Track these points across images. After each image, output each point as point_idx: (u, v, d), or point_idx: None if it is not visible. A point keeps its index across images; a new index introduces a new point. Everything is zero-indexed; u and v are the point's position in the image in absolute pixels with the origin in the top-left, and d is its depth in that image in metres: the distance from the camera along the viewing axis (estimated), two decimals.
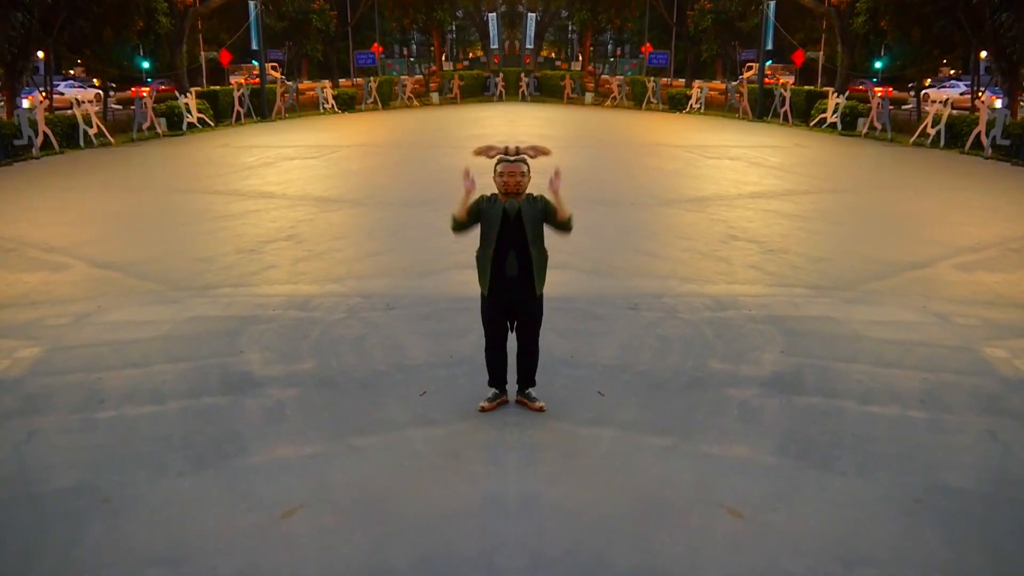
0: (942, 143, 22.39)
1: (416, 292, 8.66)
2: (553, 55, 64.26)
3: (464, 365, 6.00)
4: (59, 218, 13.11)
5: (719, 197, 14.75)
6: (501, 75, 42.00)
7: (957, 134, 22.22)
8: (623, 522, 4.50)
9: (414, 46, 56.57)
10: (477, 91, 44.02)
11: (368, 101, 37.66)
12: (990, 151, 20.40)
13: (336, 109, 35.40)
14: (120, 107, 33.28)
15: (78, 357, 6.97)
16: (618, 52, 56.21)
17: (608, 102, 40.56)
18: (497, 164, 5.60)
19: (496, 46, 46.19)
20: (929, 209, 14.26)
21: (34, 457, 5.26)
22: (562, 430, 5.56)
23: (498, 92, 41.15)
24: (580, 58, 54.22)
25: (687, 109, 35.51)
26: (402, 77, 42.16)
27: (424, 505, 4.66)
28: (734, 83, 35.71)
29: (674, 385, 6.34)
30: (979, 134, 20.91)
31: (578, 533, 4.41)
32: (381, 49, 46.95)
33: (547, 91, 44.19)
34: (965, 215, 13.35)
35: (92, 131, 22.89)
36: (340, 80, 44.84)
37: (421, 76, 47.29)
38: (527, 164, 5.62)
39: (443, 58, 53.19)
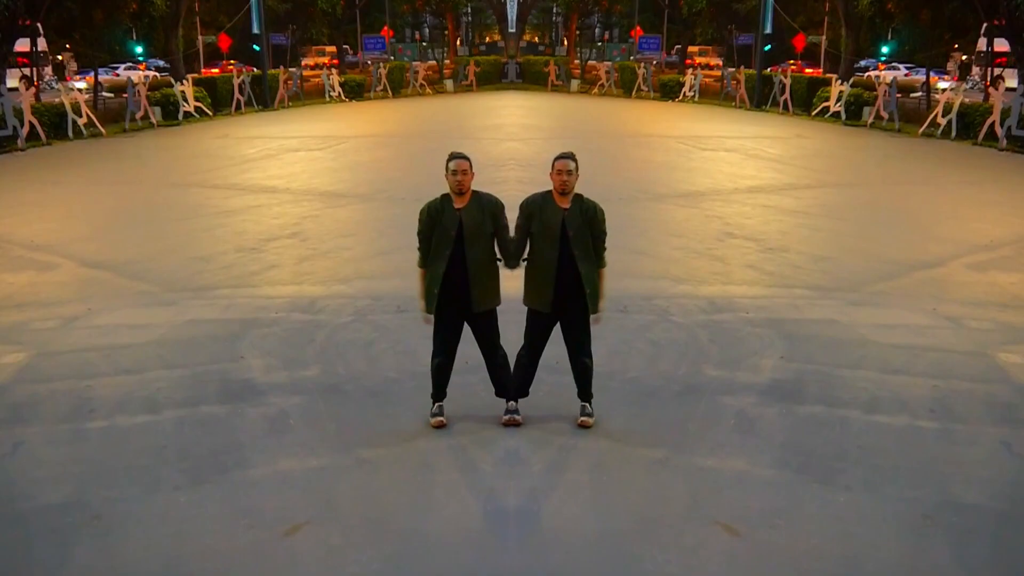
0: (953, 134, 22.62)
1: None
2: (536, 39, 64.52)
3: (480, 372, 6.01)
4: (46, 214, 13.13)
5: (714, 191, 14.83)
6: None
7: (970, 124, 22.46)
8: (612, 540, 4.51)
9: (427, 30, 56.57)
10: (495, 78, 44.20)
11: (377, 88, 37.85)
12: (1005, 142, 20.63)
13: (343, 97, 35.61)
14: (111, 95, 33.27)
15: (66, 363, 6.99)
16: (606, 36, 56.40)
17: (595, 90, 40.70)
18: (448, 161, 5.51)
19: (515, 30, 46.47)
20: (940, 204, 14.40)
21: (19, 471, 5.26)
22: (546, 441, 5.58)
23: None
24: (565, 43, 54.39)
25: (680, 97, 35.68)
26: (414, 63, 42.22)
27: (437, 522, 4.68)
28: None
29: (666, 393, 6.36)
30: (993, 124, 21.13)
31: (564, 551, 4.43)
32: (391, 33, 47.01)
33: (530, 78, 44.33)
34: (978, 211, 13.50)
35: (82, 121, 22.99)
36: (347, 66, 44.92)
37: (434, 62, 47.30)
38: (575, 160, 5.53)
39: (458, 43, 53.27)
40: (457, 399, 6.01)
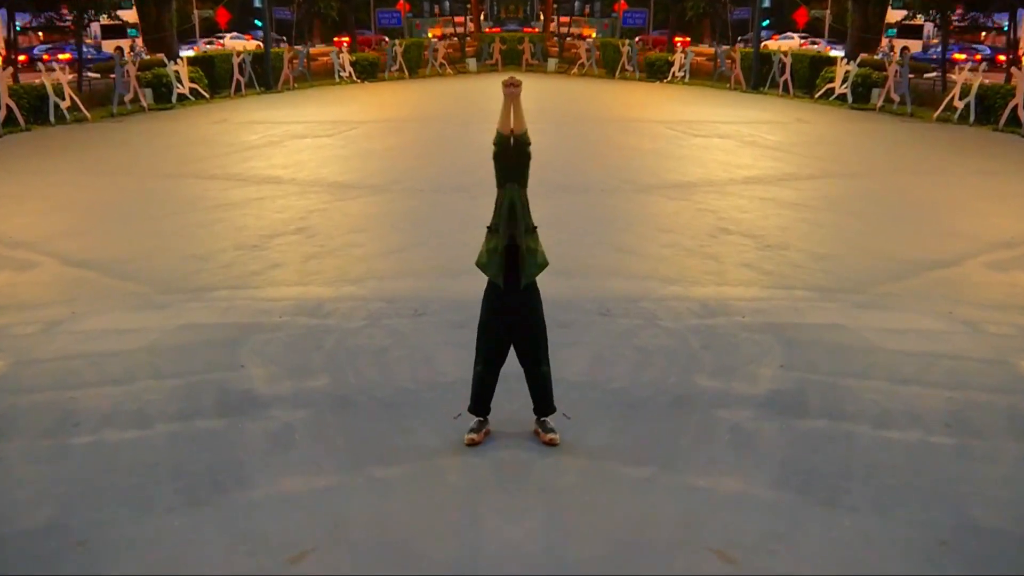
0: (971, 118, 22.85)
1: (448, 295, 8.70)
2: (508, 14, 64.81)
3: (505, 382, 6.01)
4: (25, 207, 13.15)
5: (707, 182, 14.93)
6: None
7: (990, 108, 22.69)
8: (595, 567, 4.52)
9: (447, 3, 56.36)
10: (521, 57, 44.03)
11: (392, 68, 37.92)
12: None
13: (354, 78, 35.66)
14: (98, 75, 33.16)
15: (48, 372, 7.01)
16: (587, 10, 56.57)
17: (575, 69, 40.80)
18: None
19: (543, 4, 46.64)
20: (956, 197, 14.56)
21: None
22: (521, 459, 5.59)
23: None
24: (541, 17, 54.47)
25: (669, 78, 35.84)
26: (432, 40, 42.06)
27: (457, 547, 4.70)
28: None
29: (654, 405, 6.39)
30: (1016, 108, 21.36)
31: None
32: (408, 7, 46.75)
33: (503, 56, 44.29)
34: (998, 204, 13.66)
35: (64, 104, 22.95)
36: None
37: (455, 39, 47.26)
38: None
39: (481, 17, 53.07)
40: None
